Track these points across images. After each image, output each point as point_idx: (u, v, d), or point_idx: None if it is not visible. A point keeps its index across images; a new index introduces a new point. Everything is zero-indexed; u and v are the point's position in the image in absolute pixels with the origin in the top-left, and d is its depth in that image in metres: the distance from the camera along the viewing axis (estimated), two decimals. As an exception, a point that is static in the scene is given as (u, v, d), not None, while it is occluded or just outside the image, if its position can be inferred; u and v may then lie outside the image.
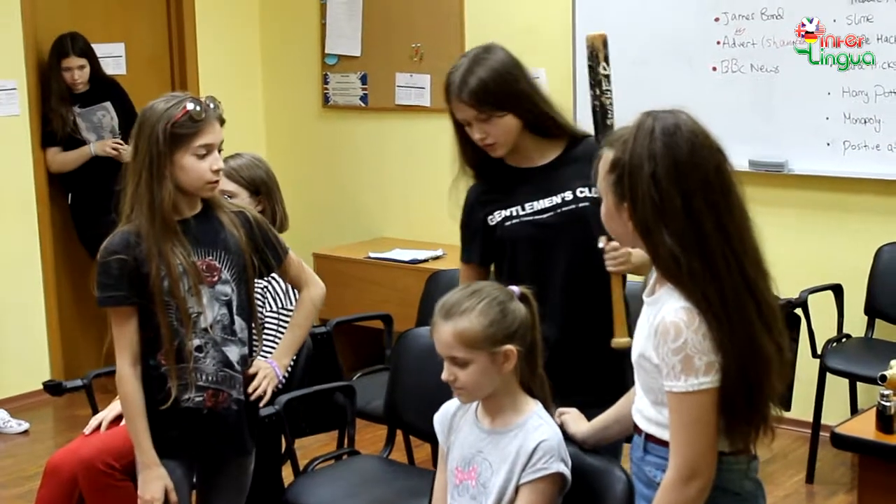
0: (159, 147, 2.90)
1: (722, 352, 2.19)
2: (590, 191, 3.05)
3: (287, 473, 3.73)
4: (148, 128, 2.93)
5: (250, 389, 3.10)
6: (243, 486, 3.22)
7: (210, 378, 3.02)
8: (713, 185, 2.23)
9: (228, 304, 3.03)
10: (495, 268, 3.19)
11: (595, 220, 2.91)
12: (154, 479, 2.99)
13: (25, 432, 5.71)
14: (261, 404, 3.16)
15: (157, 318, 2.94)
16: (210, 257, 3.01)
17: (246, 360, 3.10)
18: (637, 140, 2.25)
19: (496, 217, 3.12)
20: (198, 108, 2.93)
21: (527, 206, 3.09)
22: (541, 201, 3.09)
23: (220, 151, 3.01)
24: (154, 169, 2.91)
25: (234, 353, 3.05)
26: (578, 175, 3.05)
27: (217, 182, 3.00)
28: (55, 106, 5.99)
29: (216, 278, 3.01)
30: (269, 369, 3.17)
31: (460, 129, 3.10)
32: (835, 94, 5.08)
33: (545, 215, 3.08)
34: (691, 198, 2.21)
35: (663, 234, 2.21)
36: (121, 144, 6.00)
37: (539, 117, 3.08)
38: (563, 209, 3.08)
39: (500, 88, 2.99)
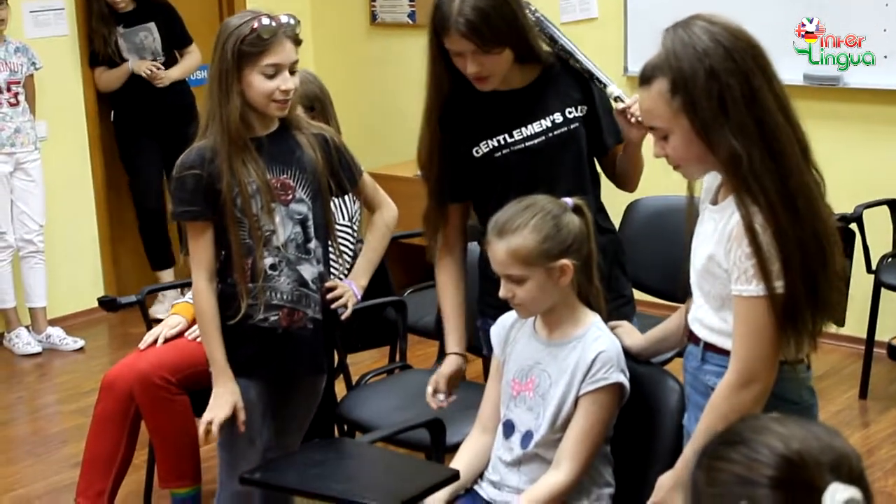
0: (227, 64, 2.89)
1: (786, 249, 2.16)
2: (577, 109, 2.94)
3: (340, 388, 3.76)
4: (220, 44, 2.92)
5: (331, 298, 3.09)
6: (312, 405, 3.24)
7: (285, 297, 3.02)
8: (764, 57, 2.23)
9: (303, 223, 3.03)
10: (479, 201, 2.99)
11: (589, 136, 2.94)
12: (225, 394, 2.98)
13: (81, 349, 5.79)
14: (343, 317, 3.14)
15: (230, 235, 2.94)
16: (284, 175, 3.00)
17: (323, 279, 3.10)
18: (678, 49, 2.21)
19: (482, 148, 2.93)
20: (268, 26, 2.89)
21: (514, 132, 2.91)
22: (530, 126, 2.91)
23: (293, 72, 2.96)
24: (223, 85, 2.90)
25: (308, 272, 3.05)
26: (564, 95, 2.94)
27: (286, 102, 2.95)
28: (96, 26, 5.97)
29: (290, 197, 3.00)
30: (348, 288, 3.17)
31: (440, 56, 2.87)
32: (893, 4, 4.96)
33: (536, 140, 2.91)
34: (751, 78, 2.18)
35: (725, 131, 2.17)
36: (158, 67, 5.96)
37: (529, 46, 2.87)
38: (555, 132, 2.92)
39: (500, 21, 2.75)
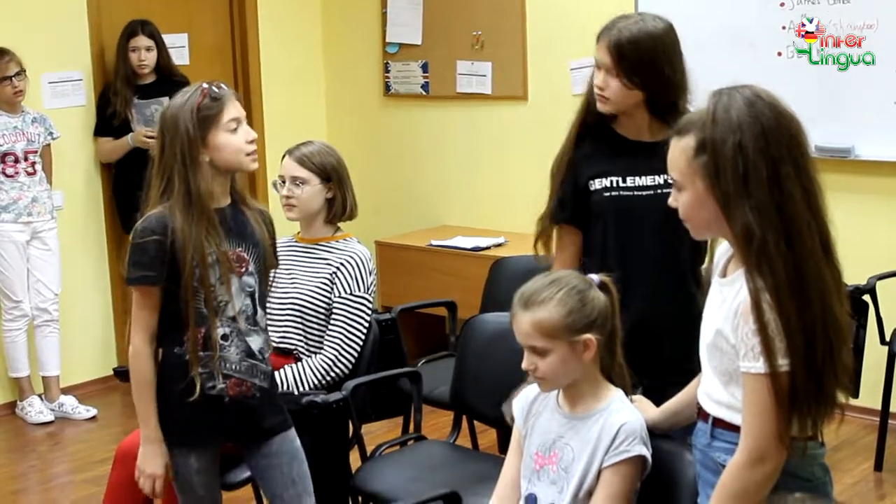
0: (190, 135, 2.95)
1: (790, 332, 2.16)
2: None
3: (354, 459, 3.75)
4: (171, 123, 2.99)
5: None
6: (293, 453, 3.19)
7: (234, 367, 3.06)
8: (801, 148, 2.24)
9: (252, 295, 3.08)
10: (584, 236, 3.20)
11: None
12: (156, 455, 3.06)
13: (93, 418, 5.78)
14: None
15: (183, 304, 2.97)
16: (240, 248, 3.06)
17: (269, 348, 3.17)
18: (718, 115, 2.23)
19: (596, 184, 3.13)
20: (214, 88, 3.00)
21: (629, 179, 3.13)
22: (643, 177, 3.12)
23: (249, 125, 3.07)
24: (188, 159, 2.96)
25: (255, 342, 3.09)
26: None
27: (254, 154, 3.04)
28: (120, 88, 5.96)
29: (244, 269, 3.06)
30: None
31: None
32: None
33: (645, 192, 3.12)
34: (780, 164, 2.19)
35: (744, 207, 2.19)
36: (153, 135, 5.92)
37: (663, 102, 3.09)
38: (664, 190, 3.02)
39: (642, 59, 3.02)
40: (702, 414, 2.43)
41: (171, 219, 2.95)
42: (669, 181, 3.01)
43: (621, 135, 3.16)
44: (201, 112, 2.97)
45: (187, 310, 2.98)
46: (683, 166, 2.30)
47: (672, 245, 3.05)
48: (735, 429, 2.29)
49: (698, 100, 2.34)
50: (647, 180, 3.12)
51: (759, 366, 2.19)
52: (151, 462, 3.06)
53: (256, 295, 3.09)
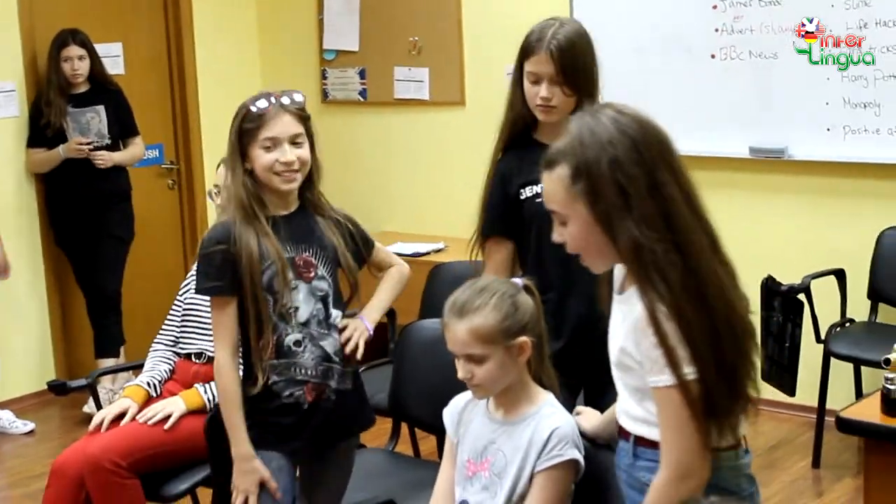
0: (233, 141, 3.01)
1: (693, 338, 2.13)
2: None
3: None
4: (231, 126, 3.04)
5: (343, 342, 3.10)
6: (347, 467, 3.25)
7: (310, 372, 3.04)
8: (672, 153, 2.23)
9: (324, 299, 3.06)
10: (518, 246, 3.24)
11: None
12: (248, 472, 3.00)
13: (31, 432, 5.72)
14: (358, 356, 3.13)
15: (255, 312, 2.97)
16: (307, 253, 3.04)
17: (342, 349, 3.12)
18: (585, 137, 2.21)
19: (527, 191, 3.18)
20: (262, 104, 2.99)
21: None
22: None
23: (297, 145, 3.01)
24: (232, 162, 3.02)
25: (330, 345, 3.07)
26: None
27: (289, 174, 3.01)
28: (53, 98, 5.84)
29: (313, 274, 3.04)
30: (360, 323, 3.17)
31: (519, 83, 3.14)
32: (834, 79, 5.07)
33: None
34: (656, 171, 2.18)
35: (627, 222, 2.15)
36: (89, 144, 5.84)
37: (589, 104, 3.08)
38: None
39: (582, 62, 3.09)
40: (623, 433, 2.39)
41: (233, 226, 2.97)
42: None
43: (543, 143, 3.14)
44: (244, 124, 2.99)
45: (262, 316, 2.96)
46: (563, 197, 2.24)
47: None
48: (656, 446, 2.25)
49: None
50: None
51: (666, 378, 2.16)
52: (244, 479, 2.99)
53: (330, 298, 3.07)
